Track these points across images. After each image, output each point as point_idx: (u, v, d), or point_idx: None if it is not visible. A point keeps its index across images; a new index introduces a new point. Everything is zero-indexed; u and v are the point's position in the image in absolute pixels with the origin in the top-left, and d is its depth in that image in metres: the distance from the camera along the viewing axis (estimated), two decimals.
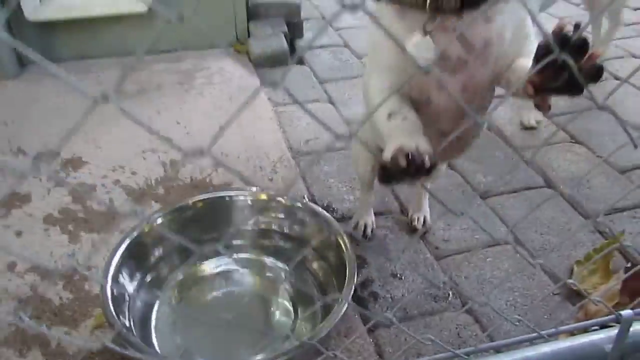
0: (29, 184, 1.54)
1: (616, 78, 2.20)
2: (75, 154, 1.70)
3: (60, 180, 1.57)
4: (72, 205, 1.47)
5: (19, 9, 2.09)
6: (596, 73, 0.60)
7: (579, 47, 0.58)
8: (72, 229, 1.39)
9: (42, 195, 1.50)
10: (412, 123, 0.80)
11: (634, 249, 1.33)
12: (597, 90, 2.16)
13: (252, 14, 2.45)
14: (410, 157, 0.67)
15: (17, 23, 2.13)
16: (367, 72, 0.96)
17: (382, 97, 0.84)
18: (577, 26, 0.58)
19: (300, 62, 2.41)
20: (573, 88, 0.63)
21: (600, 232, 1.44)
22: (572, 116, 1.86)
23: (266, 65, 2.29)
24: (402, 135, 0.74)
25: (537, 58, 0.63)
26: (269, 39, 2.36)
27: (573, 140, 1.81)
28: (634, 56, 2.39)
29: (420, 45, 0.77)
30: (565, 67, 0.59)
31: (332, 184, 1.62)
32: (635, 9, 2.88)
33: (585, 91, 0.61)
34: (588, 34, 2.26)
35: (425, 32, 0.78)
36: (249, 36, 2.41)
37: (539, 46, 0.64)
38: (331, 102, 2.09)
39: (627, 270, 1.24)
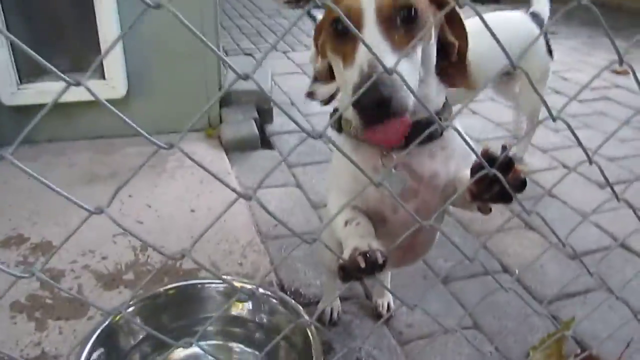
0: None
1: (564, 166, 2.37)
2: (44, 238, 1.71)
3: (28, 266, 1.58)
4: (40, 291, 1.47)
5: None
6: (521, 185, 0.72)
7: (506, 164, 0.70)
8: (40, 316, 1.39)
9: (9, 281, 1.50)
10: (365, 227, 0.90)
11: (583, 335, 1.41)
12: (548, 179, 2.31)
13: (225, 100, 2.57)
14: (365, 256, 0.74)
15: None
16: (329, 192, 1.07)
17: (341, 213, 0.94)
18: (504, 147, 0.71)
19: (269, 146, 2.52)
20: (504, 197, 0.74)
21: (554, 317, 1.51)
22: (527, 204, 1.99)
23: (237, 149, 2.39)
24: (357, 238, 0.83)
25: (473, 173, 0.74)
26: (240, 124, 2.47)
27: (527, 227, 1.92)
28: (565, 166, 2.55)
29: (391, 178, 0.89)
30: (496, 180, 0.70)
31: (299, 268, 1.67)
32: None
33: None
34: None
35: (385, 165, 0.90)
36: (221, 121, 2.51)
37: (474, 164, 0.74)
38: (299, 186, 2.17)
39: (577, 355, 1.31)
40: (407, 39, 0.78)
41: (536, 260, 1.68)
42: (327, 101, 2.33)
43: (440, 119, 0.90)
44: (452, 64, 0.91)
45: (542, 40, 1.99)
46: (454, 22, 0.89)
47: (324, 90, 2.09)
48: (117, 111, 0.53)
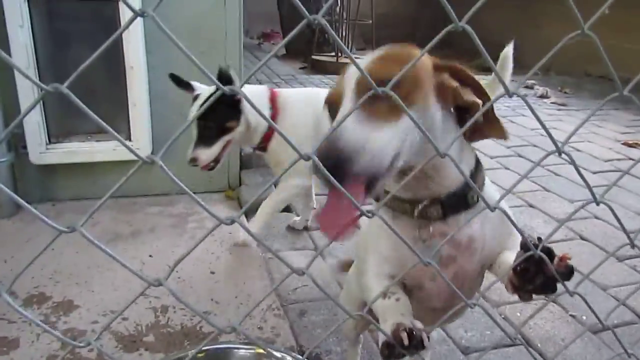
0: (18, 328, 1.55)
1: (582, 238, 2.37)
2: (66, 297, 1.72)
3: (49, 326, 1.58)
4: (61, 351, 1.47)
5: (24, 152, 2.22)
6: (569, 273, 0.73)
7: (546, 253, 0.72)
8: None
9: (31, 341, 1.50)
10: (405, 305, 0.89)
11: None
12: (565, 250, 2.30)
13: (245, 164, 2.62)
14: (410, 334, 0.75)
15: (20, 164, 2.25)
16: (363, 254, 1.06)
17: (378, 281, 0.96)
18: (539, 239, 0.73)
19: (287, 209, 2.54)
20: (547, 288, 0.75)
21: None
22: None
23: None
24: (396, 314, 0.83)
25: (516, 264, 0.75)
26: (259, 187, 2.51)
27: (547, 299, 1.91)
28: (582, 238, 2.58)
29: (423, 250, 0.91)
30: (539, 272, 0.72)
31: (319, 334, 1.66)
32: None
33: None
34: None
35: (423, 240, 0.91)
36: (240, 184, 2.56)
37: (515, 264, 0.76)
38: (317, 250, 2.18)
39: None
40: (389, 109, 0.75)
41: (570, 344, 1.66)
42: (211, 167, 2.31)
43: (471, 190, 0.91)
44: (484, 120, 0.88)
45: None
46: (472, 85, 0.87)
47: (207, 155, 2.14)
48: (182, 185, 0.57)
